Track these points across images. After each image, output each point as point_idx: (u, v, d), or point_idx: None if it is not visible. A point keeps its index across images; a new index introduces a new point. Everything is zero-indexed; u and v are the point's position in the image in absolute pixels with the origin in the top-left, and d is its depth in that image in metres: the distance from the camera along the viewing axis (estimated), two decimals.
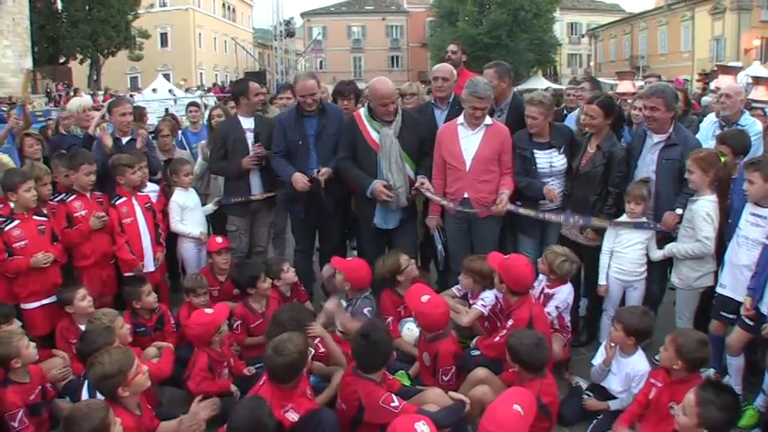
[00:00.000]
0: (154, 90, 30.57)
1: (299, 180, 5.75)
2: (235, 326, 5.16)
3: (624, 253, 5.23)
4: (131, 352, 3.63)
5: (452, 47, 7.64)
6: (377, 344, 3.85)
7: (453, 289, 5.36)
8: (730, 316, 4.63)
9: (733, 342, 4.56)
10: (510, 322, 4.44)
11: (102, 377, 3.42)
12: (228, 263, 5.97)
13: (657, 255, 5.15)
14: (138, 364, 3.54)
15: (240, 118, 6.38)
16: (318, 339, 4.51)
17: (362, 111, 5.82)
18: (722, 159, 4.89)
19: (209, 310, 4.58)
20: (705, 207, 4.78)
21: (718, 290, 4.74)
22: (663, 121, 5.25)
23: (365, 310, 5.06)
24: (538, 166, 5.57)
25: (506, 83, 6.20)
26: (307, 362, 3.75)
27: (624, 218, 5.25)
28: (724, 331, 4.77)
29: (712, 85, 13.45)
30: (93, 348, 3.81)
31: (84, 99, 8.97)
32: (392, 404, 3.66)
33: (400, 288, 5.34)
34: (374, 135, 5.65)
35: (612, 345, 4.33)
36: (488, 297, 4.95)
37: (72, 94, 23.66)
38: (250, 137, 6.24)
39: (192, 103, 9.43)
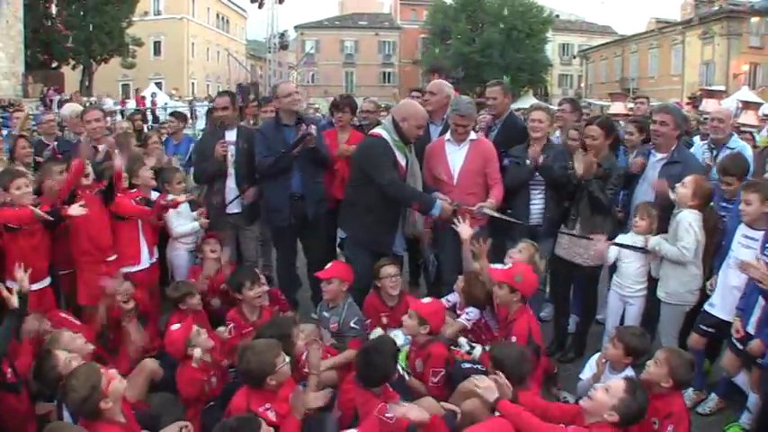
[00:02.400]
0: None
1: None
2: (228, 329, 5.15)
3: (623, 268, 5.32)
4: (94, 365, 3.59)
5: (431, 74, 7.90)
6: (377, 367, 3.86)
7: (443, 299, 5.38)
8: (709, 330, 4.73)
9: (728, 365, 4.63)
10: (513, 339, 4.45)
11: (81, 402, 3.37)
12: (217, 253, 5.98)
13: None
14: (104, 372, 3.47)
15: (222, 131, 6.48)
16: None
17: (386, 133, 5.44)
18: (711, 205, 5.00)
19: (175, 327, 4.60)
20: (688, 218, 4.84)
21: (707, 308, 4.80)
22: (668, 138, 5.46)
23: (353, 323, 5.04)
24: None
25: (509, 99, 6.54)
26: (273, 370, 3.75)
27: (626, 237, 5.36)
28: (702, 345, 4.83)
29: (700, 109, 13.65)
30: (51, 374, 3.86)
31: (77, 105, 8.94)
32: (386, 414, 3.67)
33: (384, 297, 5.35)
34: (401, 160, 5.46)
35: (604, 361, 4.35)
36: (473, 312, 5.05)
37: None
38: (231, 149, 6.31)
39: (173, 113, 9.33)
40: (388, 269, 5.30)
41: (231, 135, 6.40)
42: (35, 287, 4.89)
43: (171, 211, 6.12)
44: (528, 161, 5.70)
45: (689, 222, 4.82)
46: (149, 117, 24.13)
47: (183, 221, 6.21)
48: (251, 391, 3.80)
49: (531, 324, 4.55)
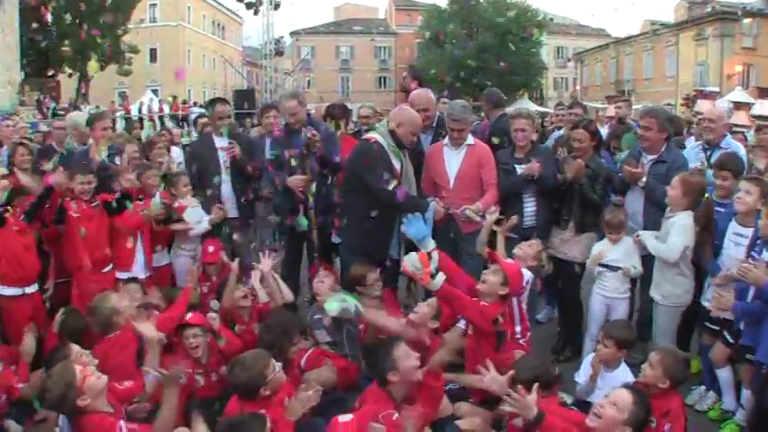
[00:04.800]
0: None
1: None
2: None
3: (607, 270, 5.38)
4: (69, 364, 3.63)
5: (405, 73, 8.02)
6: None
7: None
8: (713, 327, 4.76)
9: (715, 355, 4.72)
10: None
11: (58, 401, 3.44)
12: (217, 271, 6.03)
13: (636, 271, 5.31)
14: (79, 369, 3.52)
15: (214, 137, 6.62)
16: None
17: (382, 138, 5.48)
18: (706, 196, 5.00)
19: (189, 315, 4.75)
20: (683, 220, 4.87)
21: (703, 303, 4.89)
22: (655, 141, 5.56)
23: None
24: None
25: (487, 108, 6.93)
26: (264, 381, 3.79)
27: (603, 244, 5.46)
28: (712, 342, 4.89)
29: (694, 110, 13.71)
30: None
31: (82, 113, 9.00)
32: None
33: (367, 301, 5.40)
34: (396, 164, 5.54)
35: (599, 361, 4.39)
36: None
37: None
38: (222, 155, 6.45)
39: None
40: (371, 275, 5.39)
41: (223, 142, 6.53)
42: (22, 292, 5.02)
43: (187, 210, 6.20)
44: (520, 171, 5.79)
45: (683, 224, 4.86)
46: (147, 124, 24.08)
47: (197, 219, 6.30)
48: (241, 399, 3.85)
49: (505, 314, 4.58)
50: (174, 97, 32.44)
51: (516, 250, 5.21)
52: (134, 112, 26.62)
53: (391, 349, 3.95)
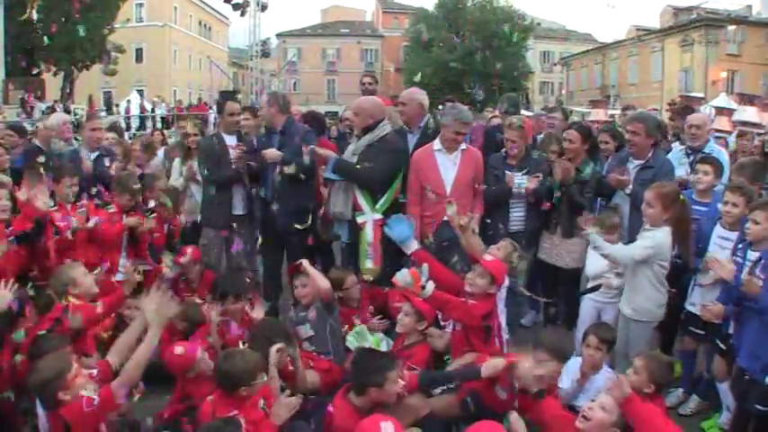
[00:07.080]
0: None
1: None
2: None
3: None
4: (67, 356, 3.57)
5: (367, 78, 7.99)
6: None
7: None
8: (699, 331, 4.75)
9: (716, 368, 4.66)
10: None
11: (41, 384, 3.38)
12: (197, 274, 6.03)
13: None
14: (76, 366, 3.45)
15: (223, 134, 6.54)
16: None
17: None
18: (682, 198, 4.82)
19: (178, 350, 4.47)
20: (660, 236, 4.66)
21: (688, 307, 4.87)
22: (642, 146, 5.56)
23: None
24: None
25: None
26: (250, 383, 3.79)
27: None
28: (694, 346, 4.88)
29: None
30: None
31: (63, 113, 8.98)
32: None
33: (349, 302, 5.48)
34: None
35: (592, 366, 4.39)
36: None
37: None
38: (233, 153, 6.36)
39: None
40: (350, 279, 5.44)
41: (231, 140, 6.49)
42: None
43: None
44: (517, 182, 5.78)
45: (657, 237, 4.64)
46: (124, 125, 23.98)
47: None
48: (218, 398, 3.82)
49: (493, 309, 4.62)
50: (199, 98, 32.25)
51: (486, 255, 5.14)
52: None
53: (388, 368, 3.91)
